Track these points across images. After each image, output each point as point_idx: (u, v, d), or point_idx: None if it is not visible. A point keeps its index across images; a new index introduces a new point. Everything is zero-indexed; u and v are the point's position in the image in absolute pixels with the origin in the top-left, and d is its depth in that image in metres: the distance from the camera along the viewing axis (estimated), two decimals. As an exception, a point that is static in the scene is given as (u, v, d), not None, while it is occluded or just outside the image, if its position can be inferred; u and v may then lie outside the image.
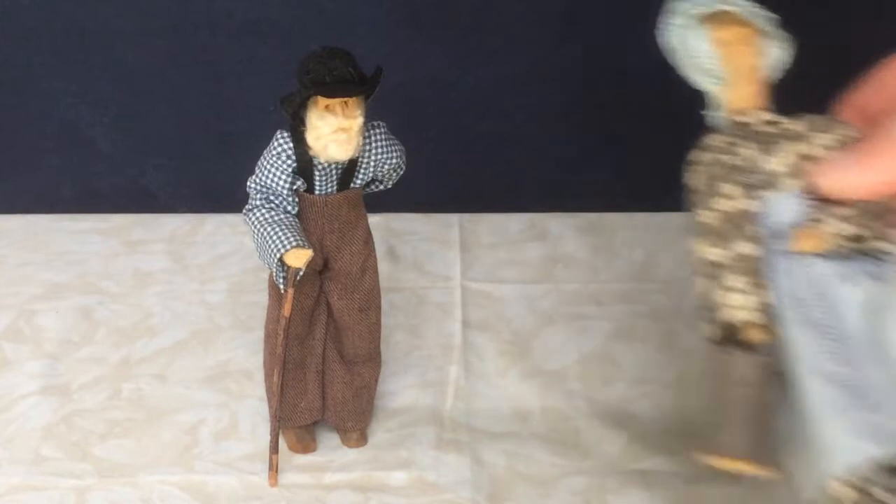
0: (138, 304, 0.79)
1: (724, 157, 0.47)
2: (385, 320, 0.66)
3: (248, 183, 0.60)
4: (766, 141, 0.47)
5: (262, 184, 0.60)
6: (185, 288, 0.81)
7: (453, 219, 0.89)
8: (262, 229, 0.59)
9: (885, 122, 0.46)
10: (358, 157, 0.59)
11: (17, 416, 0.68)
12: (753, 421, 0.45)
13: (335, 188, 0.61)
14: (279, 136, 0.59)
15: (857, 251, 0.45)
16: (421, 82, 0.84)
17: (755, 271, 0.45)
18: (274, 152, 0.59)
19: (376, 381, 0.67)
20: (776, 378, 0.44)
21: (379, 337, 0.66)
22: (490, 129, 0.88)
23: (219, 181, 0.87)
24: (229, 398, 0.70)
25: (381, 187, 0.63)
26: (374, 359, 0.66)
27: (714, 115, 0.49)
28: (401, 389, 0.71)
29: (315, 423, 0.66)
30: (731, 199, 0.47)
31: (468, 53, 0.85)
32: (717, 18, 0.48)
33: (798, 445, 0.43)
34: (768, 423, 0.45)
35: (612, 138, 0.87)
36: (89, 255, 0.84)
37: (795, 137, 0.47)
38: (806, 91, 0.49)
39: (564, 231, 0.87)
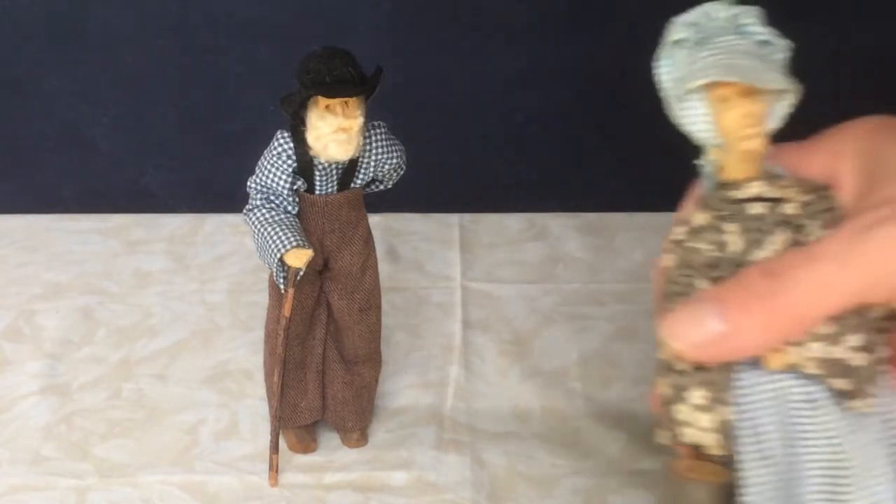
0: (138, 304, 0.79)
1: (706, 247, 0.40)
2: (385, 320, 0.66)
3: (249, 183, 0.60)
4: (758, 229, 0.40)
5: (263, 184, 0.60)
6: (185, 288, 0.81)
7: (453, 219, 0.89)
8: (262, 229, 0.59)
9: (765, 265, 0.39)
10: (358, 157, 0.59)
11: (17, 416, 0.68)
12: None
13: (335, 188, 0.61)
14: (279, 136, 0.59)
15: (829, 371, 0.39)
16: (421, 82, 0.84)
17: (723, 384, 0.40)
18: (274, 152, 0.59)
19: (376, 381, 0.67)
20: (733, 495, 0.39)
21: (379, 337, 0.66)
22: (490, 129, 0.88)
23: (219, 181, 0.87)
24: (229, 398, 0.70)
25: (382, 187, 0.63)
26: (374, 359, 0.66)
27: (706, 172, 0.42)
28: (401, 389, 0.71)
29: (315, 423, 0.66)
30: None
31: (468, 53, 0.85)
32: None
33: None
34: None
35: (612, 138, 0.87)
36: (89, 255, 0.84)
37: (789, 224, 0.40)
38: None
39: (564, 231, 0.87)
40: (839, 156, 0.41)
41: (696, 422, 0.40)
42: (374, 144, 0.60)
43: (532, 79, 0.85)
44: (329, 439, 0.67)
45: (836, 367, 0.39)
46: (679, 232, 0.41)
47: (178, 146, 0.88)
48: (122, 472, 0.64)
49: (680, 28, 0.41)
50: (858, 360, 0.39)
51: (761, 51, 0.40)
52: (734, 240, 0.40)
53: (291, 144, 0.59)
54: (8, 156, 0.89)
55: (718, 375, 0.40)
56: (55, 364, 0.73)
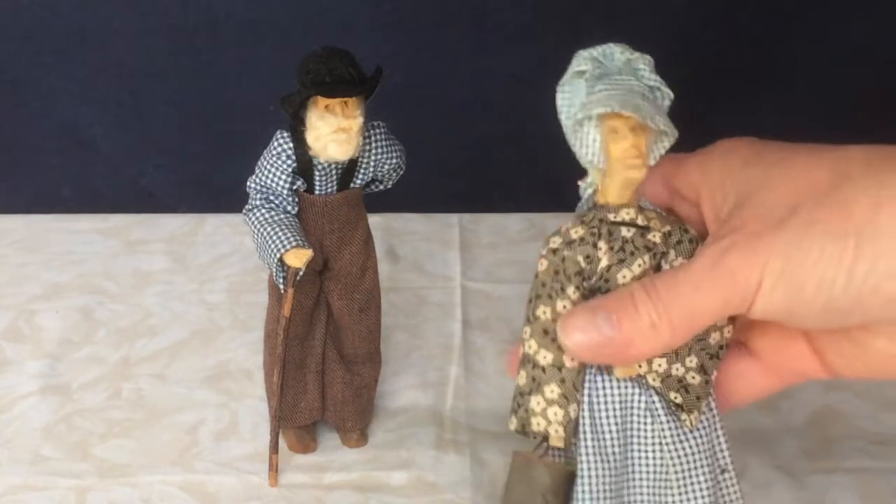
0: (138, 304, 0.79)
1: (579, 257, 0.45)
2: (385, 320, 0.66)
3: (248, 183, 0.60)
4: (624, 250, 0.44)
5: (262, 184, 0.60)
6: (185, 288, 0.81)
7: (453, 219, 0.89)
8: (262, 229, 0.59)
9: (647, 281, 0.43)
10: (358, 157, 0.59)
11: (17, 416, 0.68)
12: None
13: (335, 188, 0.61)
14: (279, 136, 0.59)
15: (668, 385, 0.44)
16: (421, 82, 0.84)
17: (575, 383, 0.44)
18: (274, 152, 0.59)
19: (376, 381, 0.67)
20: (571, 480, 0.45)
21: (379, 337, 0.66)
22: (490, 129, 0.88)
23: (219, 181, 0.87)
24: (229, 398, 0.70)
25: (381, 187, 0.63)
26: (374, 359, 0.66)
27: (585, 193, 0.46)
28: (401, 389, 0.71)
29: (315, 423, 0.66)
30: (570, 303, 0.44)
31: (468, 53, 0.85)
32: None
33: None
34: None
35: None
36: (89, 255, 0.85)
37: (652, 251, 0.45)
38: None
39: (564, 231, 0.87)
40: (707, 173, 0.45)
41: (546, 414, 0.44)
42: (373, 144, 0.60)
43: (532, 79, 0.85)
44: (329, 439, 0.67)
45: (675, 383, 0.44)
46: (556, 242, 0.45)
47: (178, 146, 0.88)
48: (122, 472, 0.64)
49: (583, 60, 0.45)
50: (693, 379, 0.44)
51: (650, 95, 0.45)
52: (603, 256, 0.44)
53: (291, 144, 0.59)
54: (8, 156, 0.89)
55: (573, 375, 0.44)
56: (55, 364, 0.73)
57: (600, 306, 0.43)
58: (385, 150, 0.61)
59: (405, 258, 0.84)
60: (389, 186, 0.63)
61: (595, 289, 0.44)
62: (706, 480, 0.45)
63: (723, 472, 0.46)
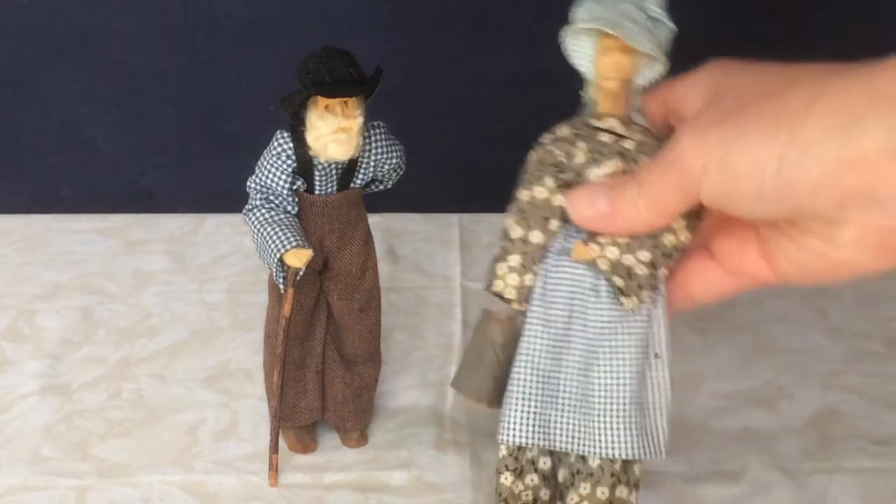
0: (138, 304, 0.79)
1: (558, 152, 0.52)
2: (385, 320, 0.66)
3: (248, 183, 0.60)
4: (600, 152, 0.51)
5: (262, 184, 0.60)
6: (185, 288, 0.81)
7: (453, 219, 0.89)
8: (261, 229, 0.59)
9: (635, 168, 0.50)
10: (358, 157, 0.59)
11: (17, 416, 0.68)
12: (494, 372, 0.54)
13: (335, 188, 0.61)
14: (279, 136, 0.59)
15: (614, 270, 0.51)
16: (421, 82, 0.84)
17: (533, 258, 0.52)
18: (274, 152, 0.59)
19: (376, 381, 0.67)
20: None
21: (379, 337, 0.66)
22: (490, 129, 0.88)
23: (219, 181, 0.87)
24: (229, 398, 0.70)
25: (381, 187, 0.63)
26: (374, 359, 0.66)
27: (584, 101, 0.53)
28: (401, 389, 0.71)
29: (315, 423, 0.66)
30: (546, 190, 0.52)
31: (468, 53, 0.85)
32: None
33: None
34: (506, 375, 0.53)
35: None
36: (89, 255, 0.85)
37: (624, 155, 0.51)
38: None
39: (564, 231, 0.87)
40: (691, 84, 0.50)
41: (506, 278, 0.53)
42: (373, 144, 0.60)
43: (532, 79, 0.85)
44: (329, 439, 0.67)
45: (622, 269, 0.51)
46: (545, 137, 0.52)
47: (178, 146, 0.88)
48: (122, 472, 0.64)
49: None
50: (641, 270, 0.51)
51: (649, 24, 0.51)
52: (580, 154, 0.51)
53: (291, 144, 0.59)
54: (8, 156, 0.89)
55: (534, 250, 0.52)
56: (55, 364, 0.73)
57: (599, 186, 0.50)
58: (385, 150, 0.61)
59: (405, 258, 0.84)
60: (389, 186, 0.63)
61: (568, 181, 0.51)
62: (632, 358, 0.52)
63: (656, 356, 0.52)
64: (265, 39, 0.84)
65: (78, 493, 0.62)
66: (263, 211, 0.60)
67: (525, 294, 0.52)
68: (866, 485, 0.63)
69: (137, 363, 0.73)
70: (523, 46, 0.84)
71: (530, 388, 0.52)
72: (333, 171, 0.60)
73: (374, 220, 0.64)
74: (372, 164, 0.61)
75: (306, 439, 0.66)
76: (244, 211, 0.60)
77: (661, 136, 0.51)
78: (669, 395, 0.53)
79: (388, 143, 0.61)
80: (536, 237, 0.52)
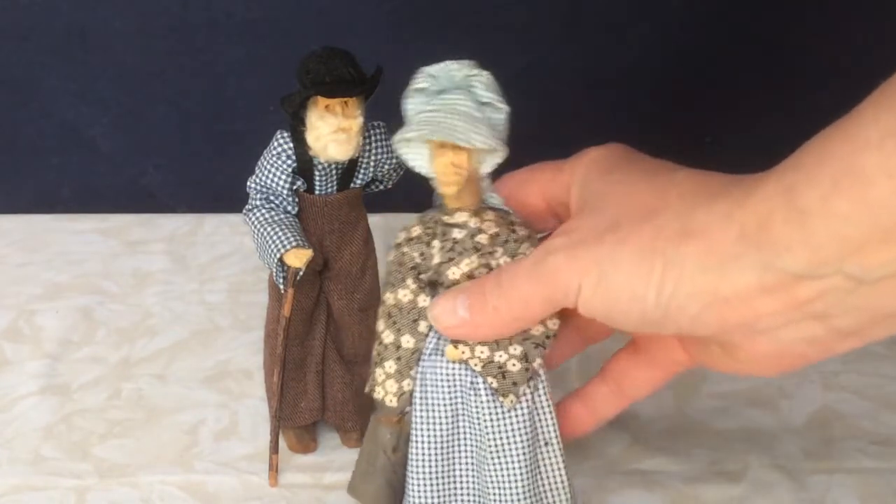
0: (138, 304, 0.79)
1: (414, 253, 0.51)
2: (385, 320, 0.66)
3: (248, 183, 0.60)
4: (455, 250, 0.50)
5: (262, 184, 0.60)
6: (185, 288, 0.81)
7: (453, 219, 0.89)
8: (261, 229, 0.59)
9: (497, 272, 0.49)
10: (358, 157, 0.59)
11: (17, 416, 0.68)
12: (388, 476, 0.53)
13: (335, 188, 0.61)
14: (279, 136, 0.59)
15: (487, 371, 0.50)
16: (421, 82, 0.84)
17: (409, 362, 0.51)
18: (274, 152, 0.59)
19: (376, 381, 0.67)
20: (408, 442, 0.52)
21: (379, 337, 0.66)
22: (490, 129, 0.87)
23: (219, 181, 0.87)
24: (229, 398, 0.70)
25: (381, 187, 0.63)
26: (374, 359, 0.66)
27: (435, 195, 0.51)
28: (401, 389, 0.71)
29: (315, 423, 0.66)
30: (409, 292, 0.51)
31: (468, 53, 0.85)
32: None
33: None
34: (399, 479, 0.52)
35: (612, 138, 0.87)
36: (89, 255, 0.85)
37: (480, 251, 0.50)
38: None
39: (564, 231, 0.87)
40: (572, 178, 0.50)
41: (385, 385, 0.51)
42: (373, 144, 0.60)
43: (532, 79, 0.85)
44: (329, 439, 0.67)
45: (495, 369, 0.50)
46: (401, 237, 0.51)
47: (178, 146, 0.88)
48: (122, 472, 0.64)
49: (423, 78, 0.50)
50: (513, 366, 0.50)
51: (479, 112, 0.49)
52: (435, 254, 0.50)
53: (291, 144, 0.59)
54: (8, 156, 0.89)
55: (408, 355, 0.51)
56: (55, 364, 0.73)
57: (459, 293, 0.49)
58: (385, 150, 0.61)
59: (405, 258, 0.84)
60: (389, 186, 0.63)
61: (431, 281, 0.50)
62: (522, 453, 0.51)
63: (546, 444, 0.52)
64: (265, 39, 0.84)
65: (78, 493, 0.62)
66: (263, 211, 0.60)
67: (407, 399, 0.51)
68: (866, 485, 0.63)
69: (137, 363, 0.73)
70: (523, 46, 0.84)
71: (425, 490, 0.51)
72: (333, 171, 0.60)
73: (374, 220, 0.64)
74: (372, 164, 0.61)
75: (306, 439, 0.66)
76: (244, 211, 0.61)
77: (516, 219, 0.51)
78: (566, 480, 0.52)
79: (388, 143, 0.61)
80: (408, 342, 0.51)
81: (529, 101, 0.86)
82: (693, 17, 0.84)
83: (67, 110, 0.87)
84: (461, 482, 0.52)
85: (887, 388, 0.71)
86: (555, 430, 0.52)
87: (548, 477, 0.52)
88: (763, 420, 0.68)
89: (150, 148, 0.89)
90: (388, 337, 0.51)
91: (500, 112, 0.49)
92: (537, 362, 0.50)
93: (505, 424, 0.50)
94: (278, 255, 0.58)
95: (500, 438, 0.50)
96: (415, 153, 0.49)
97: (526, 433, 0.51)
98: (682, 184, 0.46)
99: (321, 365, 0.64)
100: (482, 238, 0.50)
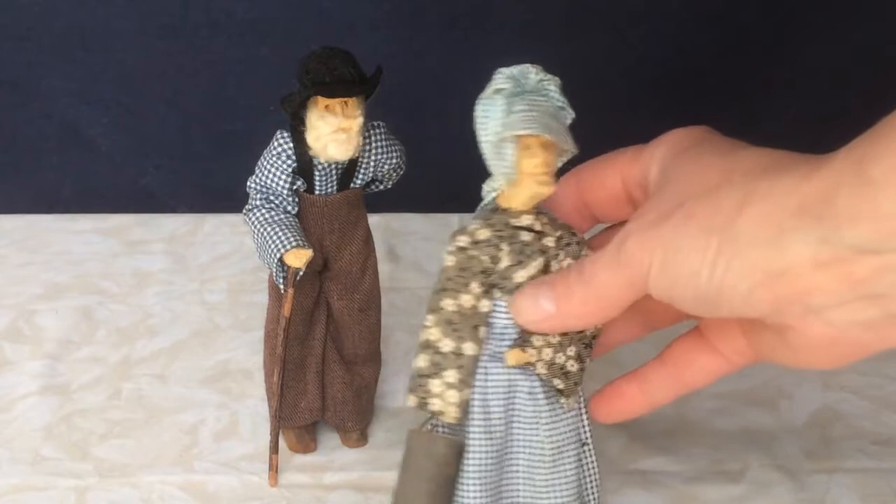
0: (138, 304, 0.79)
1: (484, 257, 0.50)
2: (385, 320, 0.66)
3: (248, 183, 0.60)
4: (524, 252, 0.50)
5: (262, 184, 0.60)
6: (185, 288, 0.81)
7: (453, 219, 0.89)
8: (261, 229, 0.59)
9: (578, 264, 0.49)
10: (358, 157, 0.59)
11: (17, 416, 0.68)
12: (450, 492, 0.50)
13: (335, 188, 0.61)
14: (279, 136, 0.59)
15: (552, 373, 0.50)
16: (421, 82, 0.84)
17: (470, 371, 0.49)
18: (274, 152, 0.59)
19: (376, 381, 0.67)
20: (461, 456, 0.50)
21: (379, 337, 0.66)
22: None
23: (219, 181, 0.87)
24: (229, 398, 0.70)
25: (381, 187, 0.63)
26: (374, 359, 0.66)
27: (487, 195, 0.51)
28: (401, 389, 0.71)
29: (315, 423, 0.66)
30: (472, 297, 0.49)
31: (468, 53, 0.85)
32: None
33: None
34: (451, 495, 0.50)
35: (612, 138, 0.87)
36: (89, 255, 0.85)
37: (546, 253, 0.50)
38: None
39: (564, 231, 0.87)
40: (652, 158, 0.50)
41: (445, 395, 0.49)
42: (373, 144, 0.60)
43: (532, 79, 0.85)
44: (329, 439, 0.67)
45: (558, 371, 0.50)
46: (464, 241, 0.50)
47: (178, 146, 0.88)
48: (122, 472, 0.64)
49: (502, 79, 0.50)
50: (572, 367, 0.51)
51: (558, 113, 0.50)
52: (504, 257, 0.49)
53: (291, 144, 0.59)
54: (8, 156, 0.89)
55: (470, 363, 0.49)
56: (55, 364, 0.73)
57: (541, 286, 0.49)
58: (385, 150, 0.61)
59: (405, 258, 0.84)
60: (389, 186, 0.63)
61: (495, 284, 0.50)
62: (573, 456, 0.51)
63: (583, 445, 0.52)
64: (265, 39, 0.84)
65: (78, 493, 0.62)
66: (263, 211, 0.60)
67: (466, 408, 0.50)
68: (866, 485, 0.63)
69: (137, 363, 0.73)
70: (523, 46, 0.84)
71: (479, 502, 0.50)
72: (333, 171, 0.60)
73: (374, 220, 0.64)
74: (372, 164, 0.61)
75: (306, 439, 0.66)
76: (244, 211, 0.61)
77: (567, 226, 0.51)
78: (599, 478, 0.53)
79: (388, 143, 0.61)
80: (470, 349, 0.49)
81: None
82: (693, 17, 0.84)
83: (67, 110, 0.87)
84: (513, 490, 0.52)
85: (887, 388, 0.71)
86: (591, 429, 0.53)
87: (587, 477, 0.53)
88: (763, 420, 0.68)
89: (150, 148, 0.89)
90: (446, 345, 0.49)
91: (568, 117, 0.50)
92: (587, 364, 0.51)
93: (561, 427, 0.51)
94: (278, 256, 0.58)
95: (558, 442, 0.51)
96: (502, 155, 0.49)
97: (575, 433, 0.52)
98: (748, 160, 0.45)
99: (321, 365, 0.64)
100: (548, 241, 0.50)
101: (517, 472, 0.52)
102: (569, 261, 0.50)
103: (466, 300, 0.49)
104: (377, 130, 0.60)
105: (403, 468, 0.51)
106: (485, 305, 0.50)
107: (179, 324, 0.77)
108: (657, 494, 0.63)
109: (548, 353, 0.50)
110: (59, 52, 0.84)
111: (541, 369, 0.50)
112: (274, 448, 0.63)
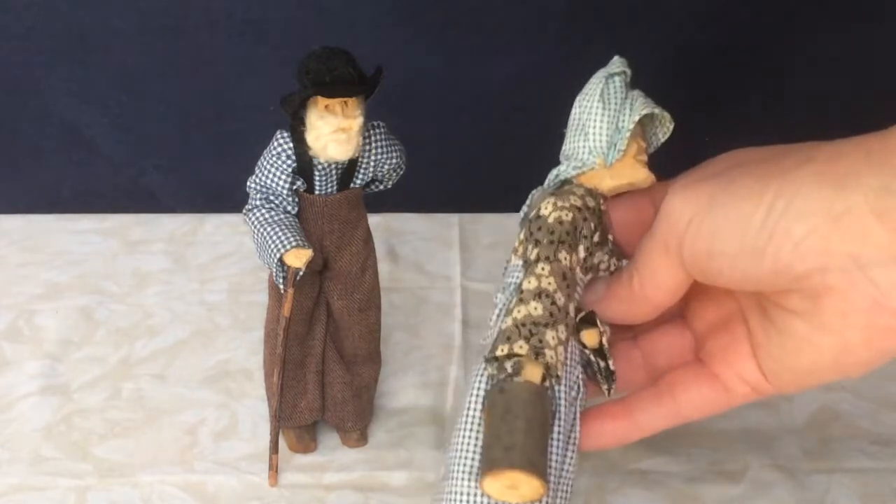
0: (138, 304, 0.79)
1: (592, 224, 0.50)
2: (385, 320, 0.66)
3: (248, 183, 0.60)
4: (603, 235, 0.50)
5: (262, 184, 0.60)
6: (185, 288, 0.81)
7: (453, 219, 0.89)
8: (261, 229, 0.59)
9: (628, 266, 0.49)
10: (358, 157, 0.59)
11: (17, 416, 0.68)
12: (545, 442, 0.47)
13: (335, 188, 0.61)
14: (279, 136, 0.59)
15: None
16: (421, 82, 0.84)
17: (571, 333, 0.49)
18: (274, 152, 0.59)
19: (376, 381, 0.67)
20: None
21: (379, 337, 0.66)
22: (490, 129, 0.88)
23: (219, 181, 0.87)
24: (229, 398, 0.70)
25: (381, 187, 0.63)
26: (373, 359, 0.66)
27: (557, 179, 0.52)
28: (401, 389, 0.71)
29: (315, 423, 0.66)
30: (579, 260, 0.49)
31: (468, 53, 0.85)
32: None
33: None
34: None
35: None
36: (89, 255, 0.85)
37: (607, 245, 0.51)
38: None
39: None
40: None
41: (557, 350, 0.47)
42: (373, 144, 0.60)
43: (532, 79, 0.85)
44: (329, 439, 0.67)
45: (609, 352, 0.50)
46: (576, 201, 0.50)
47: (178, 146, 0.88)
48: (121, 472, 0.64)
49: (620, 64, 0.52)
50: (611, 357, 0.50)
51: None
52: (597, 234, 0.50)
53: (291, 144, 0.59)
54: (8, 156, 0.89)
55: (571, 323, 0.48)
56: (55, 364, 0.73)
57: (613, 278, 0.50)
58: (385, 150, 0.61)
59: (405, 258, 0.85)
60: (389, 186, 0.63)
61: (590, 254, 0.50)
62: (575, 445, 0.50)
63: (574, 445, 0.50)
64: (265, 39, 0.84)
65: (78, 493, 0.62)
66: (263, 211, 0.60)
67: (562, 366, 0.48)
68: (866, 485, 0.63)
69: (137, 363, 0.73)
70: (523, 46, 0.84)
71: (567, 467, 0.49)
72: (333, 171, 0.60)
73: (374, 220, 0.64)
74: (372, 164, 0.61)
75: (306, 439, 0.66)
76: (244, 211, 0.61)
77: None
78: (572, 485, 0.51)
79: (388, 143, 0.61)
80: (572, 310, 0.48)
81: (530, 101, 0.86)
82: (693, 17, 0.84)
83: (67, 110, 0.87)
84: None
85: (887, 388, 0.71)
86: (579, 432, 0.51)
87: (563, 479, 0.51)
88: (763, 420, 0.68)
89: (150, 148, 0.88)
90: (560, 299, 0.47)
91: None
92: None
93: (577, 421, 0.50)
94: (278, 256, 0.58)
95: (577, 432, 0.50)
96: (622, 132, 0.50)
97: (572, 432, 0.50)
98: (809, 143, 0.45)
99: (321, 365, 0.64)
100: (610, 234, 0.51)
101: (555, 447, 0.50)
102: (614, 260, 0.51)
103: (576, 260, 0.49)
104: (377, 130, 0.60)
105: (512, 419, 0.45)
106: (580, 276, 0.49)
107: (179, 324, 0.77)
108: (657, 494, 0.63)
109: (607, 331, 0.49)
110: (59, 52, 0.84)
111: (605, 342, 0.49)
112: (274, 448, 0.63)
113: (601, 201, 0.50)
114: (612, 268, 0.51)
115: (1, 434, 0.67)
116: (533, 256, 0.48)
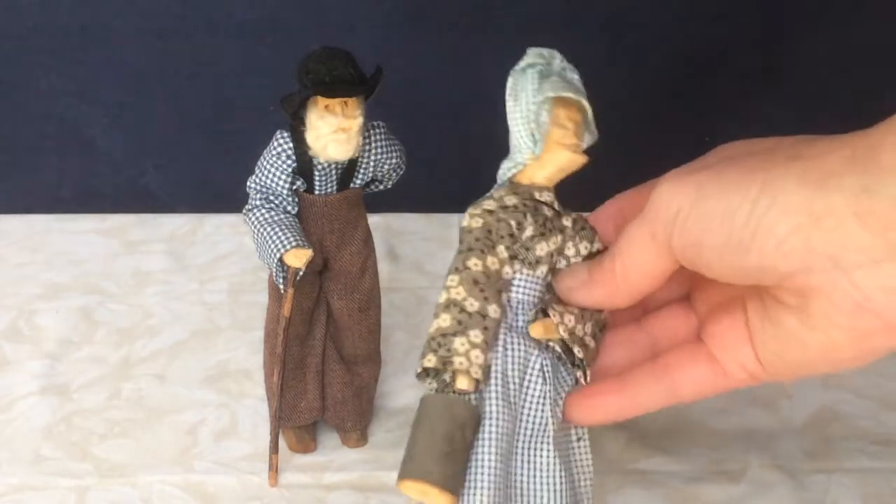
0: (138, 304, 0.79)
1: (512, 222, 0.49)
2: (385, 320, 0.66)
3: (248, 183, 0.60)
4: (546, 227, 0.50)
5: (262, 184, 0.60)
6: (185, 288, 0.81)
7: (453, 219, 0.89)
8: (261, 229, 0.59)
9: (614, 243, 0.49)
10: (358, 157, 0.59)
11: (17, 416, 0.68)
12: (466, 456, 0.48)
13: (335, 188, 0.61)
14: (279, 136, 0.59)
15: (573, 340, 0.50)
16: (421, 82, 0.84)
17: (495, 334, 0.48)
18: (274, 152, 0.59)
19: (376, 381, 0.67)
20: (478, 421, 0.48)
21: (379, 337, 0.66)
22: (490, 129, 0.87)
23: (219, 181, 0.87)
24: (229, 398, 0.70)
25: (381, 187, 0.63)
26: (373, 359, 0.66)
27: (505, 170, 0.52)
28: (401, 389, 0.71)
29: (315, 423, 0.66)
30: (498, 261, 0.49)
31: (468, 53, 0.85)
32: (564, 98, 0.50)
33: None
34: (466, 460, 0.48)
35: (612, 137, 0.87)
36: (89, 255, 0.84)
37: (564, 233, 0.51)
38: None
39: (564, 231, 0.87)
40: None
41: (469, 355, 0.47)
42: (373, 144, 0.60)
43: (532, 79, 0.85)
44: (329, 439, 0.67)
45: (578, 340, 0.50)
46: (492, 205, 0.50)
47: (178, 146, 0.88)
48: (121, 472, 0.64)
49: (535, 55, 0.52)
50: (589, 342, 0.51)
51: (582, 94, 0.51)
52: (529, 226, 0.50)
53: (291, 144, 0.59)
54: (8, 156, 0.89)
55: (494, 326, 0.48)
56: (55, 364, 0.73)
57: (594, 261, 0.50)
58: (385, 150, 0.61)
59: (405, 258, 0.84)
60: (389, 186, 0.63)
61: (516, 255, 0.49)
62: (568, 442, 0.51)
63: (578, 440, 0.51)
64: (265, 39, 0.84)
65: (78, 493, 0.62)
66: (263, 211, 0.60)
67: (487, 373, 0.48)
68: (866, 485, 0.63)
69: (137, 363, 0.73)
70: (523, 46, 0.84)
71: (495, 476, 0.48)
72: (333, 171, 0.60)
73: (374, 220, 0.64)
74: (372, 164, 0.61)
75: (306, 439, 0.66)
76: (244, 211, 0.61)
77: (578, 214, 0.52)
78: (592, 476, 0.52)
79: (388, 143, 0.61)
80: (494, 312, 0.48)
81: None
82: (693, 17, 0.84)
83: (67, 110, 0.87)
84: (513, 472, 0.50)
85: (887, 388, 0.71)
86: (586, 429, 0.52)
87: (579, 473, 0.51)
88: (763, 420, 0.68)
89: (150, 148, 0.89)
90: (471, 305, 0.48)
91: (589, 110, 0.51)
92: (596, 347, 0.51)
93: (555, 414, 0.49)
94: (278, 255, 0.58)
95: (551, 427, 0.49)
96: (537, 124, 0.50)
97: (567, 424, 0.51)
98: (799, 137, 0.45)
99: (321, 365, 0.64)
100: (566, 221, 0.51)
101: (518, 452, 0.50)
102: (585, 244, 0.51)
103: (492, 262, 0.49)
104: (377, 130, 0.60)
105: (418, 430, 0.49)
106: (507, 272, 0.49)
107: (179, 324, 0.77)
108: (657, 494, 0.63)
109: (569, 320, 0.49)
110: (59, 52, 0.84)
111: (563, 333, 0.49)
112: (274, 448, 0.63)
113: (537, 194, 0.50)
114: (585, 252, 0.51)
115: (1, 434, 0.67)
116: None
